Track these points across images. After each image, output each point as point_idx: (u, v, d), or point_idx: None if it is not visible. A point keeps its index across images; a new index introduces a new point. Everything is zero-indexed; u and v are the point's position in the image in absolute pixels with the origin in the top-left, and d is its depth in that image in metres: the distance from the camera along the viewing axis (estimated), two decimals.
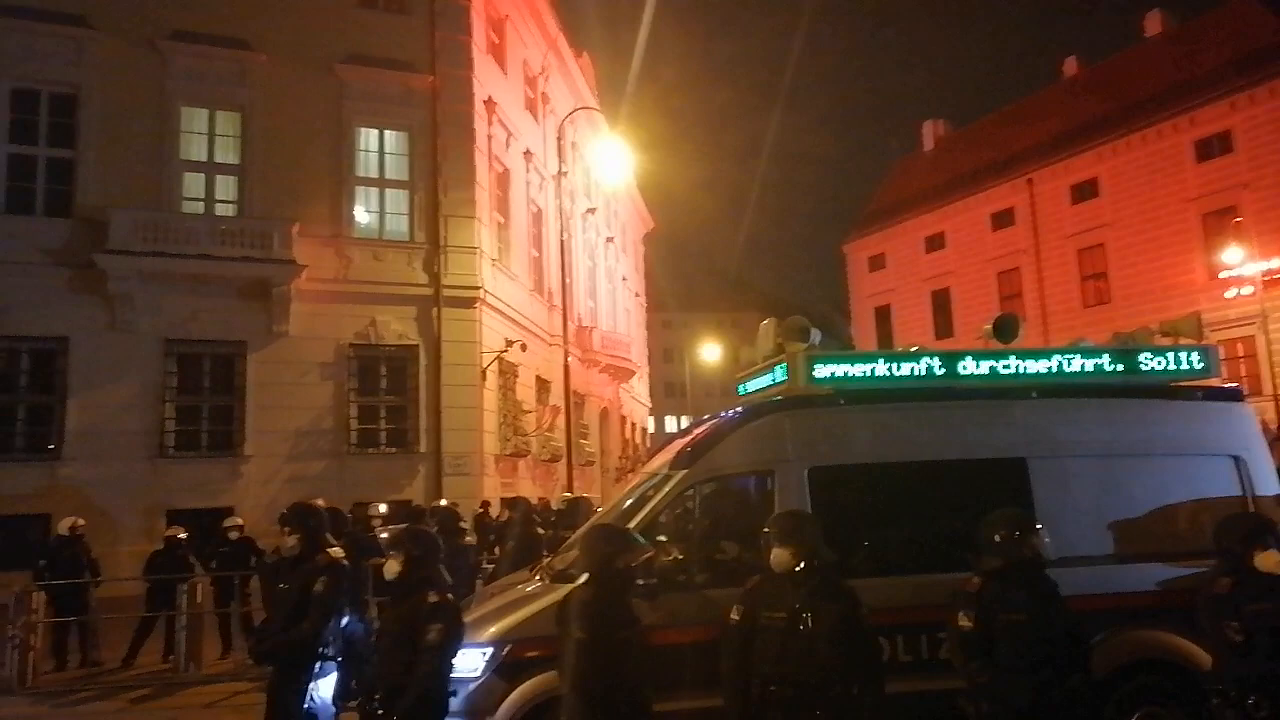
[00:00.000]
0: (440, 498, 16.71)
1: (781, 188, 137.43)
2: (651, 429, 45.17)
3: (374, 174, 18.53)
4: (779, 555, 4.25)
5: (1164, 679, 5.18)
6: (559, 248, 21.69)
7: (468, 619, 4.95)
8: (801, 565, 4.19)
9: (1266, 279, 25.46)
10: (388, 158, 18.67)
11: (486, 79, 19.90)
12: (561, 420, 21.08)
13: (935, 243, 39.52)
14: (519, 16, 22.90)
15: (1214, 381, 6.12)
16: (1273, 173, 27.14)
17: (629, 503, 5.59)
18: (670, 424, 60.86)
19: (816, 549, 4.21)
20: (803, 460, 5.44)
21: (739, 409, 5.90)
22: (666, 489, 5.35)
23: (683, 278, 57.52)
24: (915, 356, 5.91)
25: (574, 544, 5.62)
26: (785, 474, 5.42)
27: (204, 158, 17.52)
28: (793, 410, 5.61)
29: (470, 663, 4.82)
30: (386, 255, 18.24)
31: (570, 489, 18.40)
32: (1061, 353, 5.96)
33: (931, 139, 44.58)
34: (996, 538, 4.31)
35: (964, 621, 4.18)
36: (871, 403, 5.73)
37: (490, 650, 4.89)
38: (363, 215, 18.51)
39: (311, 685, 4.96)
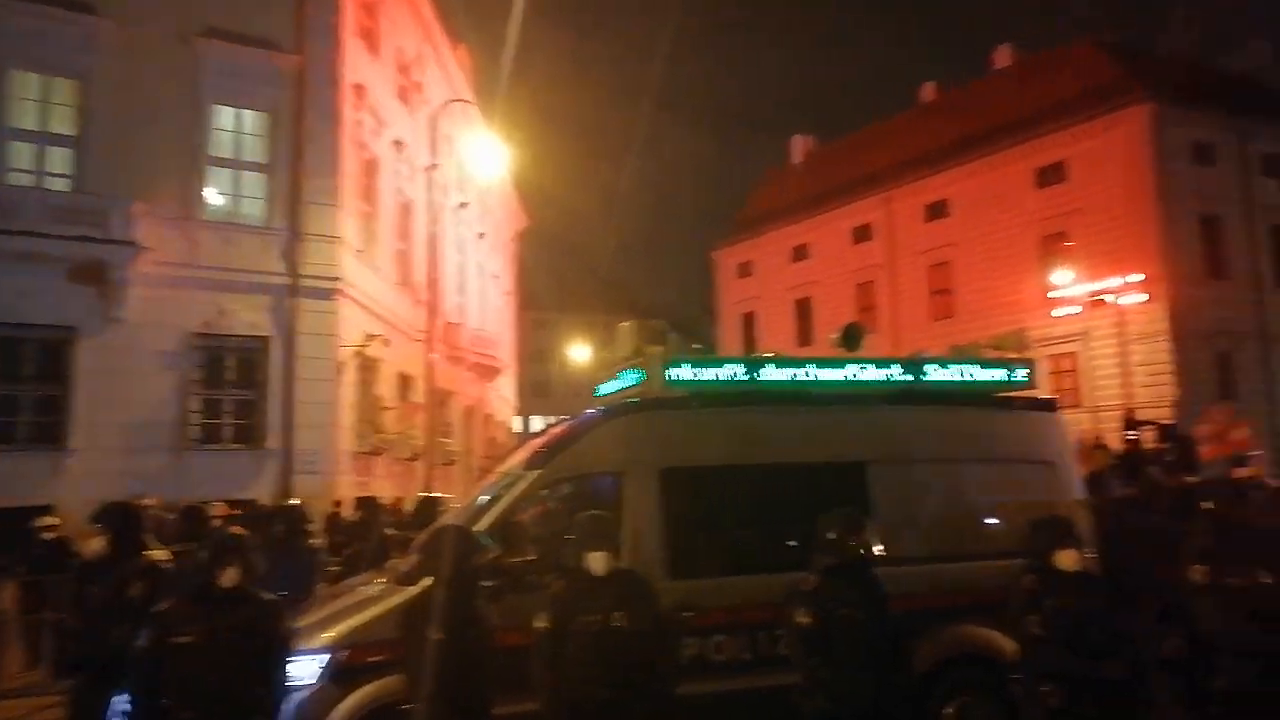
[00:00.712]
0: (290, 497, 16.00)
1: (656, 191, 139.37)
2: (519, 428, 44.78)
3: (230, 154, 17.54)
4: (597, 558, 4.31)
5: (979, 671, 5.56)
6: (428, 241, 21.19)
7: (303, 623, 4.76)
8: (615, 567, 4.28)
9: (1090, 300, 27.71)
10: (246, 138, 17.71)
11: (356, 63, 19.21)
12: (423, 418, 20.59)
13: (800, 253, 41.00)
14: (394, 2, 22.24)
15: (1034, 393, 6.61)
16: (1101, 202, 29.61)
17: (479, 503, 5.53)
18: (537, 424, 60.54)
19: (619, 550, 4.32)
20: (655, 462, 5.53)
21: (595, 410, 5.94)
22: (519, 489, 5.32)
23: (555, 277, 57.34)
24: (767, 362, 6.11)
25: (418, 545, 5.51)
26: (637, 475, 5.49)
27: (35, 127, 16.13)
28: (647, 412, 5.70)
29: (304, 670, 4.63)
30: (240, 240, 17.30)
31: (429, 489, 17.99)
32: (898, 363, 6.29)
33: (800, 153, 46.23)
34: (830, 536, 4.50)
35: (802, 618, 4.35)
36: (724, 406, 5.88)
37: (326, 656, 4.72)
38: (215, 197, 17.48)
39: (117, 699, 4.62)
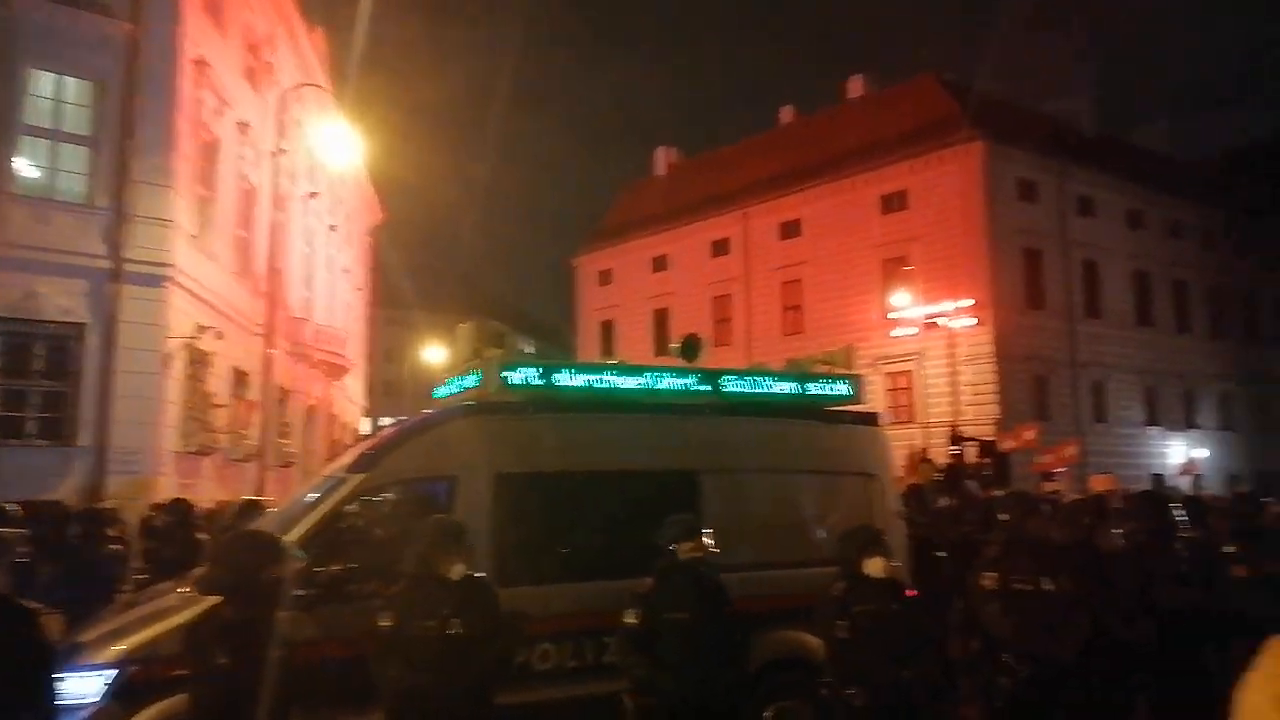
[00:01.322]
0: (102, 498, 14.76)
1: (521, 192, 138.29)
2: (367, 430, 43.23)
3: (47, 124, 16.06)
4: (450, 564, 4.20)
5: (798, 675, 5.76)
6: (271, 230, 20.11)
7: (90, 635, 4.37)
8: (466, 574, 4.18)
9: (925, 323, 29.51)
10: (68, 108, 16.25)
11: (199, 37, 18.03)
12: (259, 417, 19.50)
13: (660, 264, 41.65)
14: None
15: (859, 407, 6.92)
16: (937, 230, 31.63)
17: (295, 508, 5.26)
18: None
19: (472, 556, 4.23)
20: (489, 467, 5.43)
21: (429, 412, 5.78)
22: (340, 494, 5.09)
23: (412, 274, 55.71)
24: (606, 369, 6.12)
25: (209, 555, 5.18)
26: (470, 480, 5.37)
27: None
28: (481, 416, 5.59)
29: (86, 687, 4.25)
30: (55, 218, 15.85)
31: (261, 492, 17.04)
32: (733, 374, 6.44)
33: (664, 164, 46.99)
34: (666, 541, 4.58)
35: (630, 619, 4.40)
36: (561, 412, 5.84)
37: (112, 672, 4.34)
38: (29, 170, 15.96)
39: None
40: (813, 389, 6.66)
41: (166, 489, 16.49)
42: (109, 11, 16.36)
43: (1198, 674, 5.97)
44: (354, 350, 34.59)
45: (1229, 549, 6.27)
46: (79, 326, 15.91)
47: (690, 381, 6.29)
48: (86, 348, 15.93)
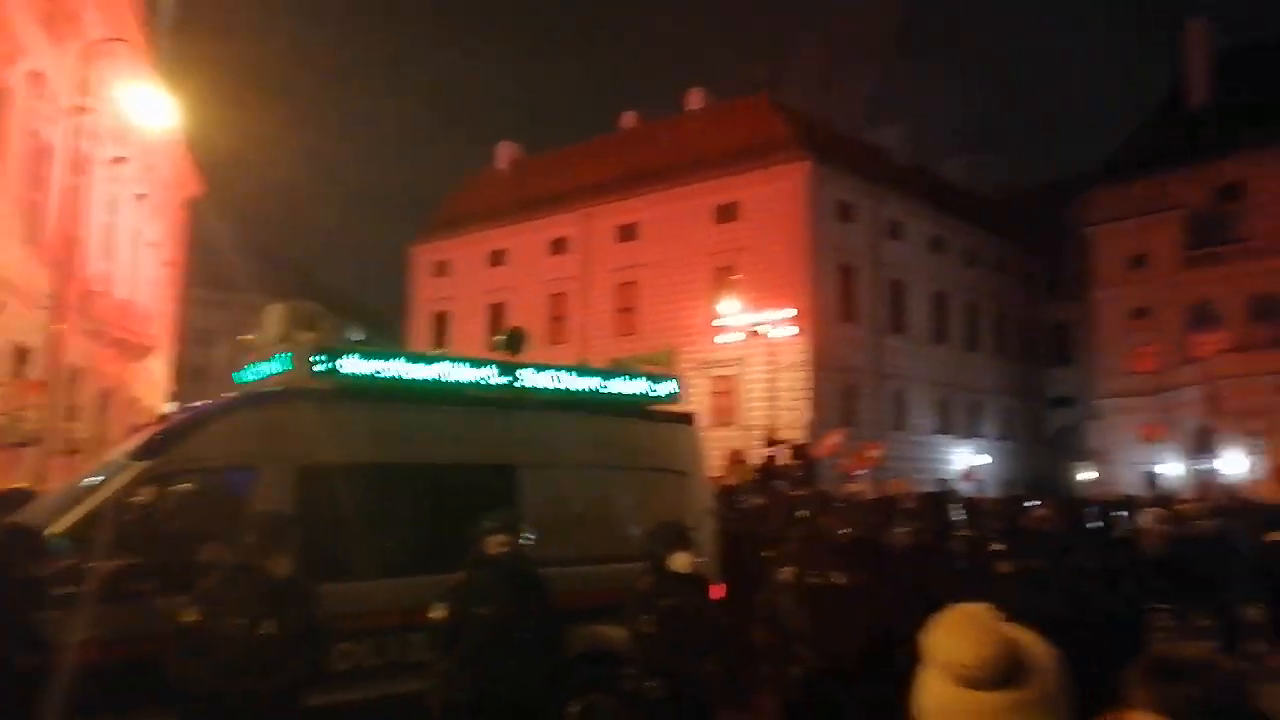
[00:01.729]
0: None
1: (360, 173, 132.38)
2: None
3: None
4: (280, 561, 4.03)
5: (605, 669, 5.89)
6: (67, 194, 18.30)
7: None
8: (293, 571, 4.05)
9: (750, 330, 30.81)
10: None
11: None
12: (42, 398, 17.68)
13: (498, 258, 41.18)
14: None
15: (678, 407, 7.17)
16: (765, 244, 33.11)
17: (66, 497, 4.84)
18: None
19: (299, 554, 4.09)
20: (294, 457, 5.21)
21: (228, 397, 5.48)
22: (119, 482, 4.72)
23: (234, 253, 51.99)
24: (427, 358, 6.02)
25: None
26: (274, 471, 5.14)
27: None
28: (289, 403, 5.35)
29: None
30: None
31: (43, 480, 15.49)
32: (556, 369, 6.51)
33: (506, 159, 46.46)
34: (479, 536, 4.57)
35: (437, 613, 4.37)
36: (376, 401, 5.70)
37: None
38: None
39: None
40: (635, 388, 6.83)
41: None
42: None
43: None
44: (161, 330, 32.02)
45: (997, 547, 6.99)
46: None
47: (508, 375, 6.27)
48: None
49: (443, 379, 5.92)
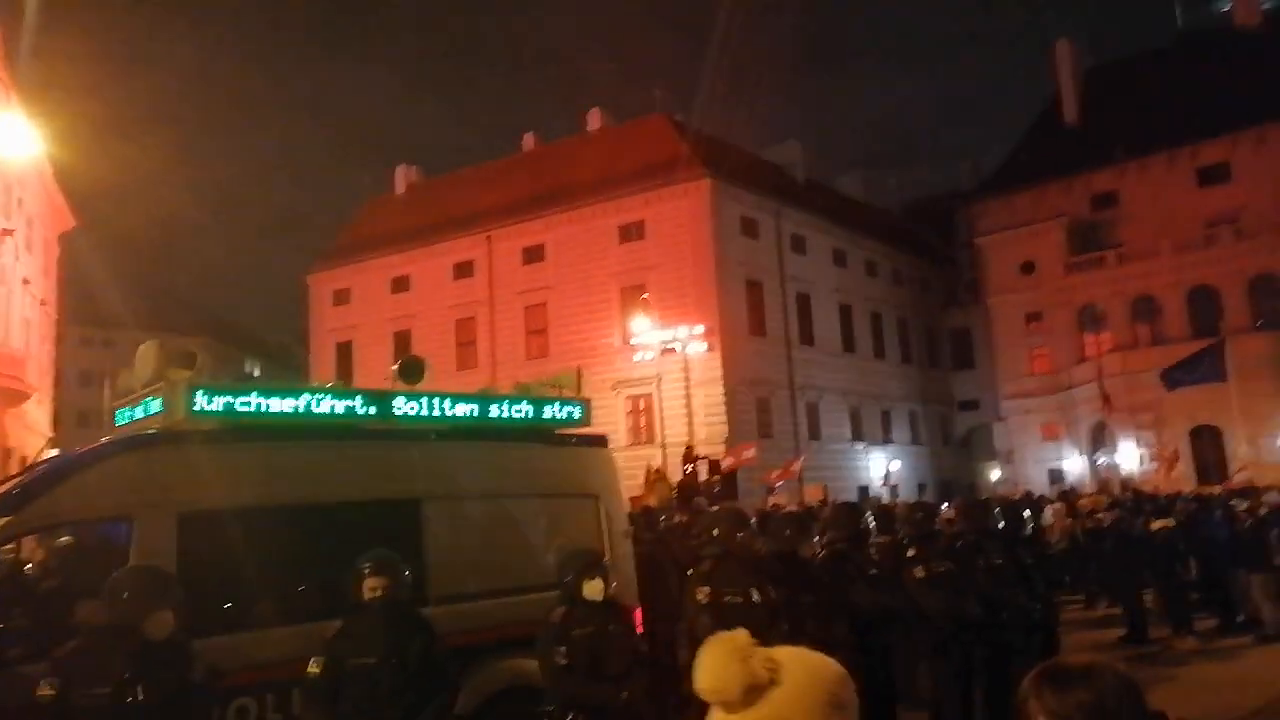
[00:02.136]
0: None
1: (250, 203, 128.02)
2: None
3: None
4: (159, 619, 3.66)
5: (526, 703, 5.63)
6: None
7: None
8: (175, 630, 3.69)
9: (663, 348, 30.84)
10: None
11: None
12: None
13: (401, 284, 40.27)
14: None
15: (586, 430, 6.97)
16: (670, 261, 33.32)
17: None
18: None
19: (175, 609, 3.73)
20: (173, 504, 4.80)
21: (99, 443, 5.04)
22: None
23: (120, 289, 49.32)
24: (316, 392, 5.68)
25: None
26: (149, 521, 4.72)
27: None
28: (165, 446, 4.95)
29: None
30: None
31: None
32: (458, 398, 6.24)
33: (404, 183, 45.62)
34: (351, 582, 4.29)
35: (313, 668, 4.06)
36: (261, 440, 5.33)
37: None
38: None
39: None
40: (540, 412, 6.61)
41: None
42: None
43: (888, 667, 6.61)
44: (38, 373, 30.11)
45: (911, 552, 7.03)
46: None
47: (403, 405, 5.97)
48: None
49: (332, 413, 5.59)
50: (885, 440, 40.89)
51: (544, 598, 5.94)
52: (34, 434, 31.61)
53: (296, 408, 5.45)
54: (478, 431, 6.26)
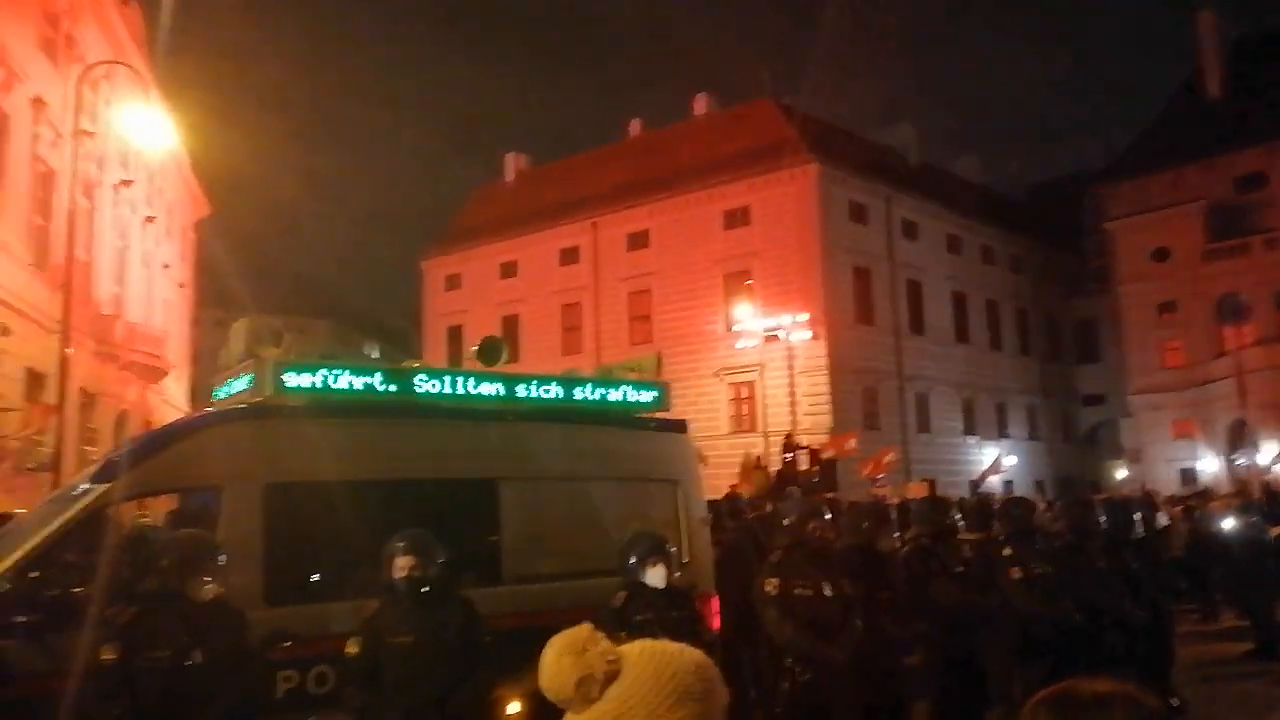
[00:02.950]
0: None
1: (368, 190, 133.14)
2: None
3: None
4: (199, 585, 3.85)
5: None
6: (73, 219, 18.40)
7: None
8: (216, 595, 3.86)
9: (766, 335, 30.48)
10: None
11: None
12: (57, 422, 17.75)
13: (509, 270, 41.14)
14: None
15: (666, 415, 6.92)
16: (775, 247, 32.80)
17: (29, 524, 4.69)
18: None
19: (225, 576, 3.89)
20: (260, 476, 5.03)
21: (193, 416, 5.32)
22: (77, 507, 4.57)
23: (248, 272, 52.34)
24: (399, 372, 5.83)
25: None
26: (237, 491, 4.96)
27: None
28: (253, 420, 5.18)
29: None
30: None
31: None
32: (535, 380, 6.29)
33: (513, 170, 46.50)
34: (385, 560, 4.33)
35: (351, 647, 4.15)
36: (345, 417, 5.51)
37: None
38: None
39: None
40: (620, 396, 6.60)
41: None
42: None
43: (974, 671, 6.32)
44: (176, 352, 32.24)
45: (1007, 552, 6.69)
46: None
47: (486, 387, 6.07)
48: None
49: (415, 392, 5.72)
50: (1000, 435, 39.23)
51: (614, 582, 5.97)
52: (173, 409, 33.96)
53: (378, 386, 5.61)
54: (555, 414, 6.29)
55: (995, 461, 31.64)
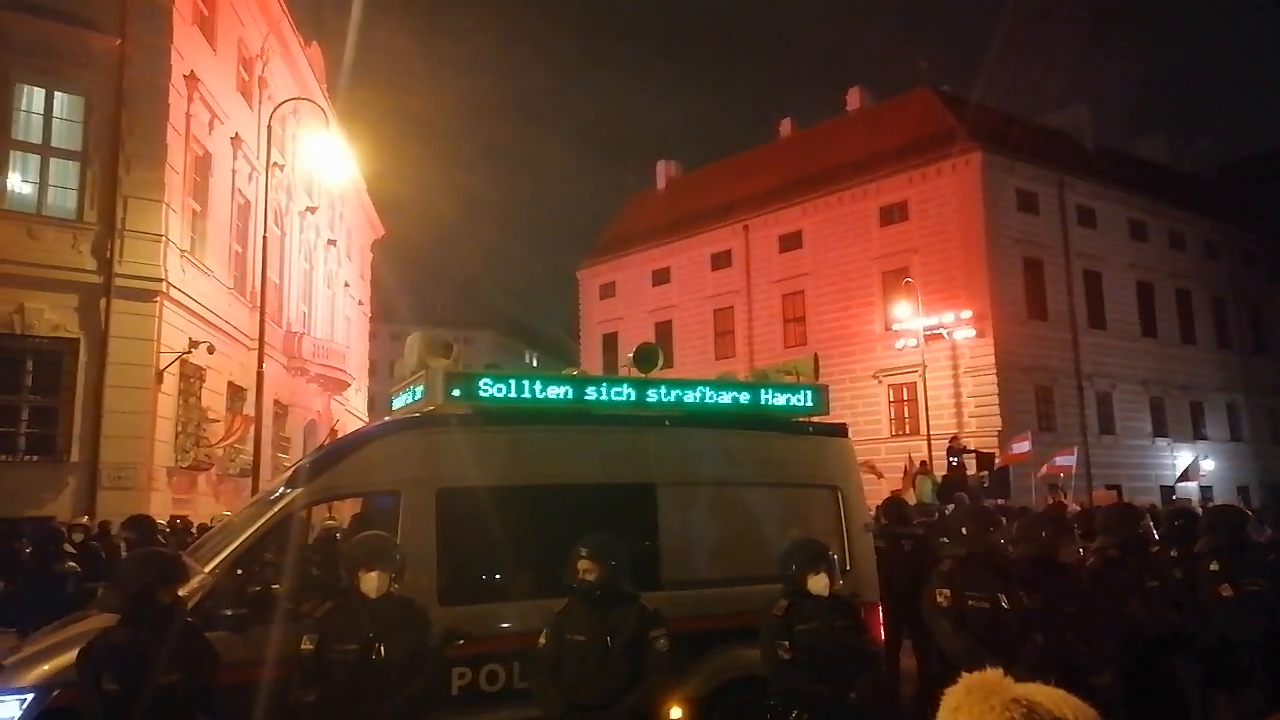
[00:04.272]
0: (94, 513, 14.76)
1: (522, 207, 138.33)
2: None
3: (37, 139, 16.14)
4: (370, 579, 4.07)
5: (754, 695, 5.58)
6: (265, 244, 20.14)
7: (14, 659, 4.27)
8: (390, 591, 4.06)
9: (927, 334, 29.28)
10: (57, 123, 16.34)
11: (190, 52, 18.12)
12: (254, 431, 19.45)
13: (661, 276, 41.55)
14: None
15: (824, 419, 6.75)
16: (936, 242, 31.42)
17: (235, 525, 5.14)
18: None
19: (403, 573, 4.09)
20: (433, 481, 5.30)
21: (372, 425, 5.66)
22: (277, 509, 4.97)
23: (414, 289, 55.82)
24: (560, 379, 5.99)
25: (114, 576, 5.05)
26: (413, 494, 5.25)
27: None
28: (426, 428, 5.46)
29: (6, 712, 4.14)
30: (45, 234, 15.92)
31: None
32: (691, 385, 6.29)
33: (664, 178, 46.97)
34: (571, 564, 4.44)
35: (541, 640, 4.27)
36: (509, 424, 5.71)
37: (29, 696, 4.22)
38: (19, 185, 16.05)
39: None
40: (776, 400, 6.50)
41: (160, 504, 16.46)
42: (97, 26, 16.46)
43: (1171, 697, 5.77)
44: (355, 365, 34.59)
45: (1213, 566, 6.06)
46: (70, 341, 15.95)
47: (642, 392, 6.13)
48: (78, 363, 15.95)
49: (575, 398, 5.86)
50: (1195, 436, 35.88)
51: (777, 589, 5.86)
52: (354, 418, 36.49)
53: (540, 393, 5.79)
54: (713, 418, 6.28)
55: (1191, 465, 28.93)
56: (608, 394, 5.97)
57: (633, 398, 6.03)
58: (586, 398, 5.91)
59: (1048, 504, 16.33)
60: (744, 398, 6.34)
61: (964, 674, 1.46)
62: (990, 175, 30.87)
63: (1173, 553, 7.05)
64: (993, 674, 1.42)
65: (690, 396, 6.20)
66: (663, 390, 6.13)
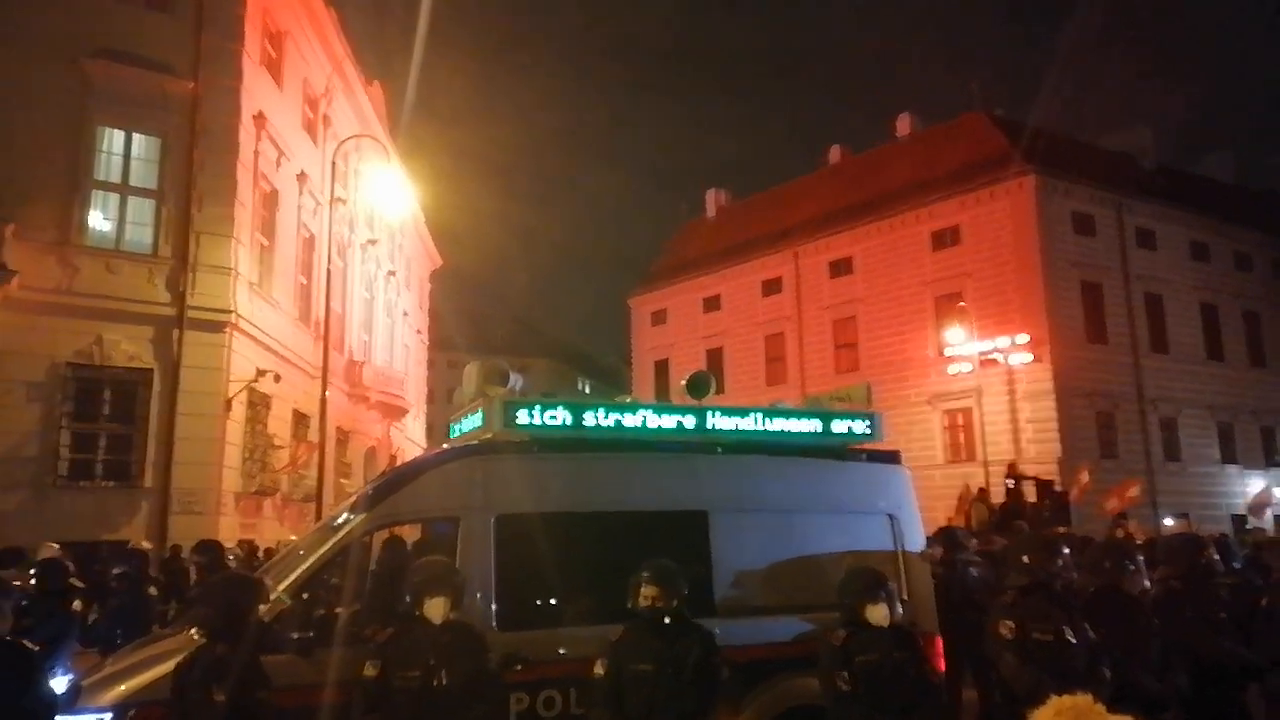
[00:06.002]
0: (166, 538, 15.27)
1: (575, 236, 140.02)
2: None
3: (116, 179, 16.95)
4: (434, 605, 4.17)
5: None
6: (329, 276, 20.75)
7: (95, 678, 4.48)
8: (451, 617, 4.16)
9: (982, 359, 28.82)
10: (135, 163, 17.14)
11: (258, 93, 18.88)
12: (318, 458, 19.93)
13: (712, 304, 41.63)
14: (301, 34, 22.00)
15: (878, 446, 6.74)
16: (990, 266, 31.00)
17: (300, 550, 5.33)
18: None
19: (463, 599, 4.19)
20: (490, 507, 5.42)
21: (432, 453, 5.83)
22: (340, 535, 5.14)
23: (471, 318, 56.75)
24: (615, 407, 6.09)
25: (197, 596, 5.26)
26: (471, 521, 5.37)
27: None
28: (484, 456, 5.59)
29: None
30: (123, 268, 16.64)
31: None
32: (744, 412, 6.35)
33: (714, 206, 47.18)
34: (630, 593, 4.46)
35: (598, 669, 4.30)
36: (565, 451, 5.82)
37: (109, 715, 4.41)
38: (99, 223, 16.84)
39: None
40: (830, 426, 6.51)
41: (228, 529, 16.96)
42: (173, 70, 17.26)
43: None
44: (414, 392, 35.20)
45: None
46: (144, 371, 16.58)
47: (696, 420, 6.20)
48: (151, 392, 16.58)
49: (629, 426, 5.96)
50: (1268, 463, 34.53)
51: (832, 618, 5.85)
52: (412, 446, 37.09)
53: (595, 421, 5.90)
54: (764, 445, 6.31)
55: (1263, 492, 27.84)
56: (663, 420, 6.05)
57: (688, 424, 6.10)
58: (642, 424, 6.00)
59: (1112, 534, 15.88)
60: (799, 425, 6.37)
61: (1029, 708, 1.48)
62: (1045, 198, 30.42)
63: (1257, 582, 6.85)
64: (1083, 699, 1.44)
65: (744, 423, 6.25)
66: (717, 416, 6.19)
